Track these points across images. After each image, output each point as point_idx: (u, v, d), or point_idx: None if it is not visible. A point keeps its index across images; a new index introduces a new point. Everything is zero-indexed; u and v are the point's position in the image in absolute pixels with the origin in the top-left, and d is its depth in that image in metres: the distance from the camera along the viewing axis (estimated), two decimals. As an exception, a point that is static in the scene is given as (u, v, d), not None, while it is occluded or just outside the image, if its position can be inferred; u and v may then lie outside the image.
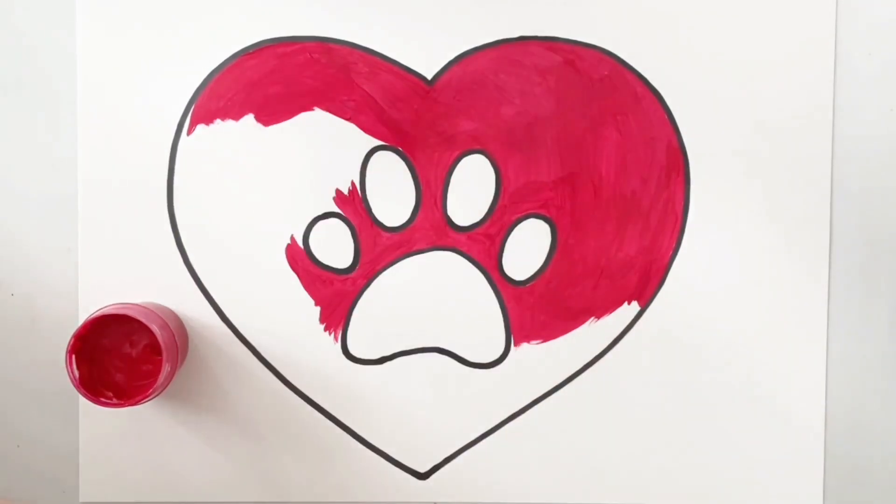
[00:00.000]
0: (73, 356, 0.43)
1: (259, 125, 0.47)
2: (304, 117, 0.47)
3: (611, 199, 0.48)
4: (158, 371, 0.43)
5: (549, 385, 0.48)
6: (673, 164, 0.48)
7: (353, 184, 0.47)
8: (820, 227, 0.48)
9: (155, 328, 0.42)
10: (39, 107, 0.47)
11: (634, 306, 0.48)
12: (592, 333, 0.48)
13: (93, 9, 0.47)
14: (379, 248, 0.48)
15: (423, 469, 0.48)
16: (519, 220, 0.48)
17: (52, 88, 0.47)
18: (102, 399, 0.43)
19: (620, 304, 0.48)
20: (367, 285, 0.47)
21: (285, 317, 0.47)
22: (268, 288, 0.47)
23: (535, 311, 0.48)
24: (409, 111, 0.47)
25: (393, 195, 0.48)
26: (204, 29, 0.47)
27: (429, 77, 0.47)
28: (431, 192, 0.47)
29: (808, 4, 0.48)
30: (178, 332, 0.45)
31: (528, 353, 0.48)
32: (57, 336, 0.46)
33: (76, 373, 0.43)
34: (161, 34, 0.47)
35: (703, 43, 0.48)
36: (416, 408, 0.48)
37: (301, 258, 0.47)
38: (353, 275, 0.48)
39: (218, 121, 0.47)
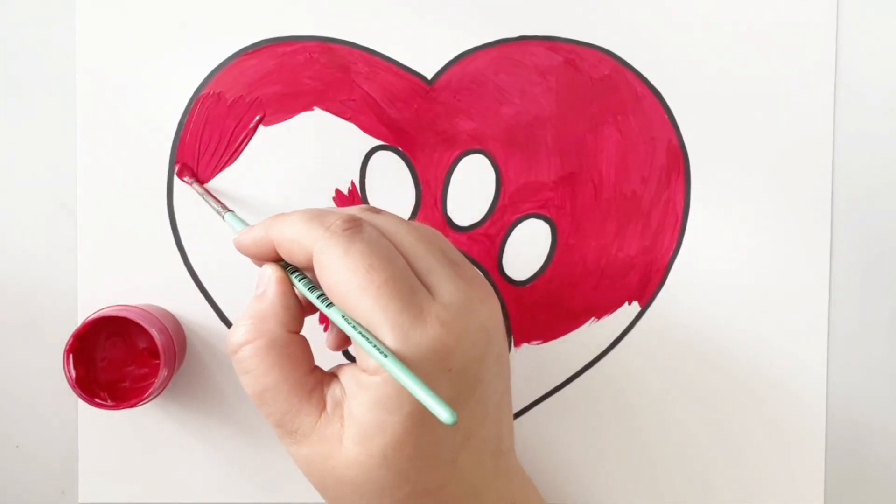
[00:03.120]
0: (71, 356, 0.43)
1: (259, 125, 0.47)
2: (303, 117, 0.47)
3: (611, 199, 0.48)
4: (155, 374, 0.43)
5: (550, 386, 0.48)
6: (673, 164, 0.48)
7: (352, 184, 0.47)
8: (821, 227, 0.48)
9: (154, 332, 0.42)
10: (39, 107, 0.47)
11: (635, 306, 0.48)
12: (593, 334, 0.48)
13: (92, 8, 0.47)
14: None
15: (422, 470, 0.48)
16: (519, 220, 0.48)
17: (51, 88, 0.47)
18: (97, 400, 0.43)
19: (621, 304, 0.48)
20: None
21: (285, 317, 0.47)
22: (267, 288, 0.47)
23: (535, 312, 0.48)
24: (409, 111, 0.47)
25: (393, 195, 0.47)
26: (203, 28, 0.47)
27: (429, 77, 0.47)
28: (431, 192, 0.47)
29: (809, 4, 0.48)
30: (177, 336, 0.45)
31: (528, 353, 0.48)
32: (56, 336, 0.46)
33: (73, 373, 0.43)
34: (160, 34, 0.47)
35: (704, 42, 0.48)
36: (415, 408, 0.48)
37: (301, 258, 0.47)
38: (352, 275, 0.47)
39: (218, 121, 0.47)
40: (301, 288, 0.35)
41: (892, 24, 0.48)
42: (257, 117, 0.47)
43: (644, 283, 0.48)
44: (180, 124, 0.47)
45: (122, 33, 0.47)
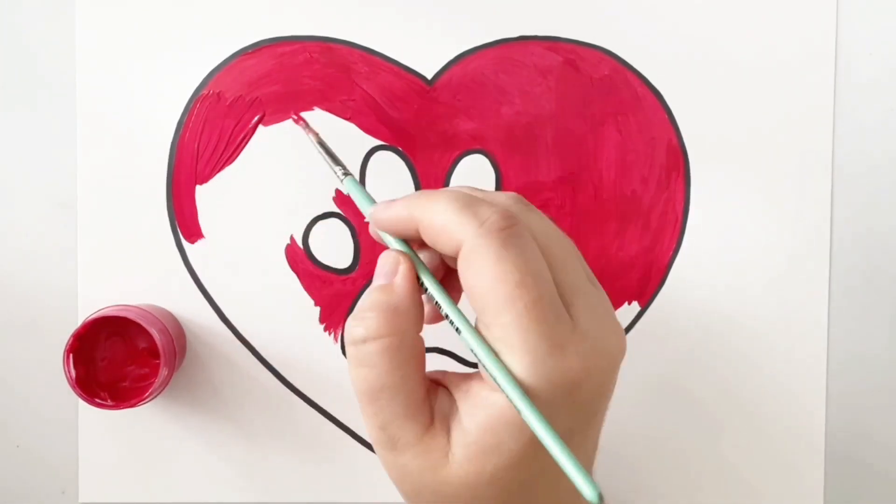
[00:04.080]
0: (71, 356, 0.43)
1: (259, 125, 0.47)
2: (304, 117, 0.47)
3: (611, 199, 0.48)
4: (156, 374, 0.43)
5: (550, 386, 0.48)
6: (673, 164, 0.48)
7: (352, 184, 0.47)
8: (820, 226, 0.48)
9: (154, 332, 0.42)
10: (39, 107, 0.47)
11: (635, 306, 0.48)
12: (593, 334, 0.48)
13: (92, 8, 0.47)
14: (379, 248, 0.47)
15: (422, 470, 0.48)
16: (519, 221, 0.48)
17: (51, 88, 0.47)
18: (97, 400, 0.43)
19: (621, 304, 0.48)
20: (368, 285, 0.47)
21: (285, 317, 0.47)
22: (267, 288, 0.47)
23: (535, 312, 0.48)
24: (409, 111, 0.47)
25: (393, 195, 0.47)
26: (203, 28, 0.47)
27: (429, 77, 0.47)
28: (431, 192, 0.47)
29: (809, 4, 0.48)
30: (177, 336, 0.45)
31: (528, 353, 0.48)
32: (56, 336, 0.46)
33: (73, 372, 0.43)
34: (160, 34, 0.47)
35: (704, 43, 0.47)
36: (415, 408, 0.48)
37: (301, 258, 0.47)
38: (352, 275, 0.47)
39: (217, 121, 0.47)
40: (440, 299, 0.32)
41: (893, 24, 0.48)
42: (257, 117, 0.47)
43: (644, 283, 0.48)
44: (180, 124, 0.47)
45: (122, 33, 0.47)
